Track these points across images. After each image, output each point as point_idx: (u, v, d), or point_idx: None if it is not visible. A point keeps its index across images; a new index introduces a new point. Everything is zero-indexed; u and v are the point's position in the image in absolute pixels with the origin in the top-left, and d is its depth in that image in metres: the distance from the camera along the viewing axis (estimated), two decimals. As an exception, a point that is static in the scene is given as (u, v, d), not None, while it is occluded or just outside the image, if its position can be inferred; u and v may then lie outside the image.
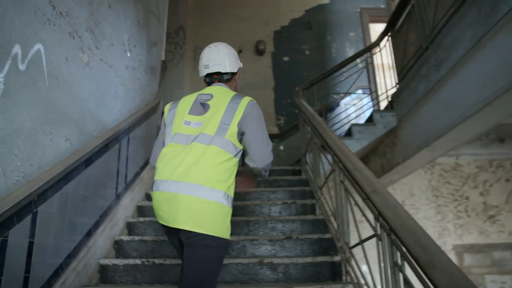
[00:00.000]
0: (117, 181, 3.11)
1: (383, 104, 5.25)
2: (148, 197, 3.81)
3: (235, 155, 1.79)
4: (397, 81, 4.71)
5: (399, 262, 1.69)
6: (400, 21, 4.64)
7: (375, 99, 5.04)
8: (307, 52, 6.80)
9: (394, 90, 4.85)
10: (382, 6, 7.00)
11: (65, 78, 2.30)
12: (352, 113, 5.98)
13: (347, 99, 6.47)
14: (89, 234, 2.53)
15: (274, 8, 6.89)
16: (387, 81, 4.93)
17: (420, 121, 4.04)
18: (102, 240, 2.70)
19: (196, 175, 1.65)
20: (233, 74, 2.05)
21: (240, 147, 1.82)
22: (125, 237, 2.94)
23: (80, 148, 2.44)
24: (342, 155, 2.48)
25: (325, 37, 6.88)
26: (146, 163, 4.00)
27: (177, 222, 1.63)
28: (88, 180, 2.54)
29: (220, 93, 1.91)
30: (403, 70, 4.54)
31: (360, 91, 6.42)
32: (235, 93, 1.95)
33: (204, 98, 1.90)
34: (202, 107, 1.86)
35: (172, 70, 6.60)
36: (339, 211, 2.69)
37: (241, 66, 2.13)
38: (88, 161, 2.52)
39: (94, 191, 2.64)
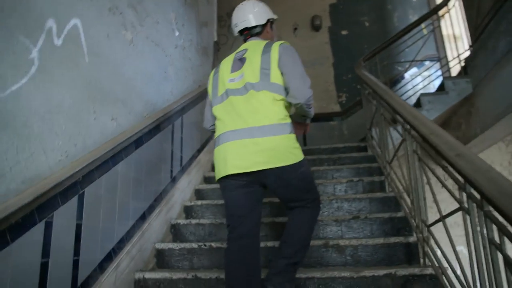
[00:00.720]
0: (172, 163, 3.02)
1: (454, 71, 4.73)
2: (207, 180, 3.71)
3: (285, 96, 1.89)
4: (470, 43, 4.19)
5: (497, 239, 1.35)
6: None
7: (445, 66, 4.52)
8: (367, 24, 6.34)
9: (467, 54, 4.35)
10: (449, -36, 6.35)
11: (108, 56, 2.20)
12: (418, 84, 5.49)
13: (413, 70, 5.95)
14: (143, 217, 2.45)
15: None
16: (458, 45, 4.42)
17: (502, 84, 3.54)
18: (157, 224, 2.61)
19: (259, 119, 1.79)
20: (263, 26, 2.12)
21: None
22: (182, 221, 2.84)
23: (129, 129, 2.35)
24: (414, 120, 2.16)
25: (385, 7, 6.37)
26: (204, 145, 3.90)
27: (257, 164, 1.75)
28: (140, 162, 2.45)
29: (253, 45, 2.01)
30: (477, 29, 4.03)
31: (427, 62, 5.88)
32: (267, 41, 2.03)
33: (240, 54, 2.02)
34: (240, 62, 1.98)
35: (227, 53, 6.46)
36: (413, 185, 2.38)
37: (274, 17, 2.18)
38: (138, 142, 2.43)
39: (147, 173, 2.55)
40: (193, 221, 2.83)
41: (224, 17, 6.68)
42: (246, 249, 1.83)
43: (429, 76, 5.21)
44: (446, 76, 4.27)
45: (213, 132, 2.09)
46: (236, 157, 1.79)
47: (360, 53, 5.84)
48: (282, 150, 1.78)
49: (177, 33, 3.39)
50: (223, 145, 1.84)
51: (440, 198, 2.11)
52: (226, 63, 2.07)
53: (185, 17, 3.64)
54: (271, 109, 1.82)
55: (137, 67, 2.56)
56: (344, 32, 6.50)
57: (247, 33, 2.12)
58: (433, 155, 1.93)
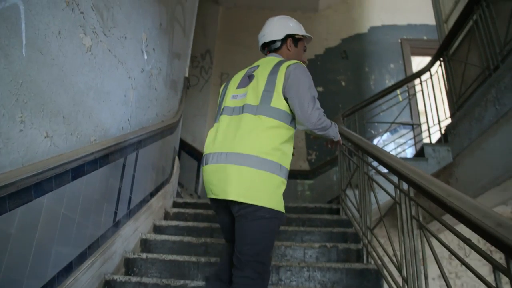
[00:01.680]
0: (118, 205, 2.49)
1: (430, 138, 4.56)
2: (157, 230, 3.17)
3: (289, 123, 1.74)
4: (452, 111, 4.05)
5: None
6: (457, 42, 4.05)
7: (420, 133, 4.35)
8: (343, 83, 6.24)
9: (447, 121, 4.21)
10: (425, 38, 6.48)
11: (55, 56, 1.73)
12: (391, 150, 5.30)
13: (385, 136, 5.80)
14: (68, 269, 1.87)
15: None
16: (439, 110, 4.27)
17: (487, 155, 3.33)
18: (86, 279, 2.03)
19: (243, 145, 1.63)
20: (282, 41, 1.98)
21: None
22: (120, 277, 2.27)
23: (67, 152, 1.84)
24: (420, 180, 1.79)
25: (363, 68, 6.33)
26: (158, 189, 3.38)
27: (226, 193, 1.60)
28: (75, 197, 1.92)
29: (265, 62, 1.87)
30: (461, 97, 3.90)
31: (401, 128, 5.76)
32: (280, 59, 1.87)
33: (251, 71, 1.89)
34: (248, 79, 1.84)
35: (196, 96, 6.12)
36: (411, 261, 1.97)
37: (299, 33, 2.01)
38: (77, 171, 1.91)
39: (83, 212, 2.00)
40: (134, 279, 2.27)
41: (198, 58, 6.40)
42: None
43: (404, 142, 5.02)
44: (427, 143, 4.05)
45: None
46: (212, 181, 1.69)
47: (335, 111, 5.66)
48: (260, 188, 1.60)
49: (146, 57, 2.98)
50: (207, 167, 1.73)
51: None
52: (236, 78, 1.96)
53: (157, 41, 3.26)
54: (264, 139, 1.65)
55: (92, 81, 2.10)
56: (319, 89, 6.34)
57: (267, 48, 2.02)
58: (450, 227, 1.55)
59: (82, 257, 2.00)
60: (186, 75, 4.40)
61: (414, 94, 4.37)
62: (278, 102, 1.71)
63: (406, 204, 2.06)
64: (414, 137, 5.37)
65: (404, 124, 5.46)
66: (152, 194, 3.21)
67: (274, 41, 1.98)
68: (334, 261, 2.82)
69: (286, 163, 1.71)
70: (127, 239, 2.63)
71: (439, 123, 4.15)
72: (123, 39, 2.52)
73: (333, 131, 1.87)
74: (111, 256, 2.35)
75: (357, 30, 6.62)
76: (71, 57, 1.88)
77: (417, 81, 4.44)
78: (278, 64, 1.79)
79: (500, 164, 3.13)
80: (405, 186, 2.11)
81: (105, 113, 2.29)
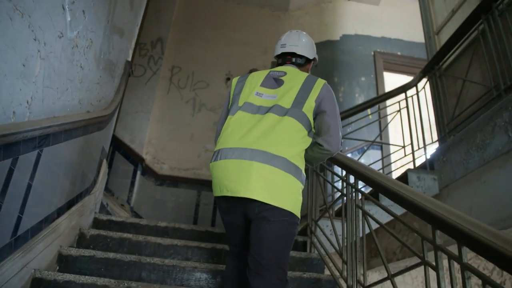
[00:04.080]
0: (-6, 230, 1.59)
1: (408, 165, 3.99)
2: (65, 261, 2.26)
3: (308, 133, 1.76)
4: (442, 134, 3.49)
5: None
6: (453, 56, 3.51)
7: (408, 155, 3.75)
8: (309, 92, 5.58)
9: (432, 146, 3.66)
10: (399, 53, 6.03)
11: None
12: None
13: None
14: None
15: (275, 35, 5.67)
16: (420, 131, 3.70)
17: (490, 190, 2.76)
18: None
19: (271, 144, 1.63)
20: (307, 60, 2.05)
21: (313, 128, 1.80)
22: None
23: None
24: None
25: (332, 78, 5.73)
26: (71, 203, 2.48)
27: (250, 192, 1.56)
28: None
29: (294, 71, 1.91)
30: (454, 119, 3.35)
31: (372, 148, 5.20)
32: (308, 73, 1.94)
33: (277, 74, 1.90)
34: (275, 81, 1.86)
35: (140, 88, 5.20)
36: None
37: (317, 59, 2.17)
38: None
39: None
40: None
41: (147, 46, 5.49)
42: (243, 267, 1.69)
43: (374, 162, 4.41)
44: (411, 168, 3.45)
45: None
46: (230, 177, 1.61)
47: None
48: (283, 190, 1.60)
49: (69, 17, 2.10)
50: (225, 161, 1.65)
51: None
52: (257, 76, 1.94)
53: (90, 4, 2.39)
54: (290, 142, 1.67)
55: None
56: (281, 97, 5.67)
57: (290, 58, 2.01)
58: None
59: None
60: (129, 59, 3.52)
61: (399, 111, 3.77)
62: (308, 110, 1.75)
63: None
64: (383, 158, 4.82)
65: (380, 144, 4.89)
66: (60, 211, 2.31)
67: (301, 57, 2.01)
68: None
69: (304, 170, 1.73)
70: (7, 282, 1.73)
71: (424, 147, 3.57)
72: (30, -20, 1.65)
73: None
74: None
75: (328, 37, 6.03)
76: None
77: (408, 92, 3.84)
78: (312, 78, 1.85)
79: (510, 203, 2.57)
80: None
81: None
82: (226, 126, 1.78)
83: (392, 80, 6.36)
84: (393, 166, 4.81)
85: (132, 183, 4.69)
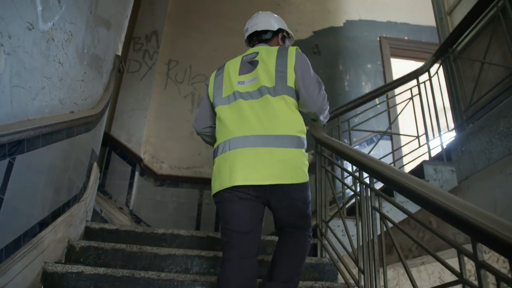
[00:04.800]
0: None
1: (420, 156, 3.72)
2: (47, 281, 2.04)
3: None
4: (459, 122, 3.22)
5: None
6: (468, 37, 3.24)
7: (420, 146, 3.48)
8: (314, 82, 5.30)
9: (448, 135, 3.40)
10: (406, 38, 5.74)
11: None
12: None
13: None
14: None
15: (275, 24, 5.44)
16: (434, 119, 3.44)
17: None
18: None
19: (277, 126, 1.70)
20: (273, 33, 2.05)
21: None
22: None
23: None
24: None
25: (337, 66, 5.45)
26: (57, 214, 2.26)
27: (273, 177, 1.63)
28: None
29: (265, 49, 1.92)
30: (473, 105, 3.08)
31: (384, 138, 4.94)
32: (279, 46, 1.98)
33: (249, 57, 1.91)
34: (251, 64, 1.87)
35: (135, 85, 4.96)
36: None
37: (288, 31, 2.12)
38: None
39: None
40: None
41: (142, 40, 5.23)
42: (246, 271, 1.65)
43: (386, 155, 4.15)
44: (426, 160, 3.19)
45: (205, 135, 2.06)
46: (246, 166, 1.65)
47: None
48: (296, 166, 1.70)
49: (40, 7, 1.86)
50: (232, 152, 1.70)
51: None
52: (233, 64, 1.95)
53: (67, -7, 2.14)
54: (290, 118, 1.76)
55: None
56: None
57: (255, 38, 2.05)
58: None
59: None
60: (119, 53, 3.28)
61: (411, 99, 3.50)
62: (291, 81, 1.79)
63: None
64: (394, 151, 4.57)
65: (390, 134, 4.62)
66: (43, 224, 2.08)
67: (266, 32, 2.03)
68: None
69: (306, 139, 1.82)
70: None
71: (440, 137, 3.31)
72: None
73: (327, 118, 2.10)
74: None
75: (331, 23, 5.74)
76: None
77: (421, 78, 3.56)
78: (283, 49, 1.87)
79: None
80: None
81: None
82: (222, 118, 1.82)
83: (399, 67, 6.08)
84: (404, 158, 4.55)
85: (131, 185, 4.46)
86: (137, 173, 4.52)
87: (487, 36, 3.00)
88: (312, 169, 4.04)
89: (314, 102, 1.83)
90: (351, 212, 3.09)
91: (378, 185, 2.33)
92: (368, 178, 2.02)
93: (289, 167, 1.67)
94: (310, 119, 2.14)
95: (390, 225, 1.87)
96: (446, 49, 3.43)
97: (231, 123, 1.77)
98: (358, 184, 2.16)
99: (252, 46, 2.04)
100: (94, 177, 2.83)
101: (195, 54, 5.32)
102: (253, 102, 1.76)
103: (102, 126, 3.00)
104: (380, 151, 4.81)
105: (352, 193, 2.26)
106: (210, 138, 2.08)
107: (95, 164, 2.86)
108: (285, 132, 1.70)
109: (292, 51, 1.85)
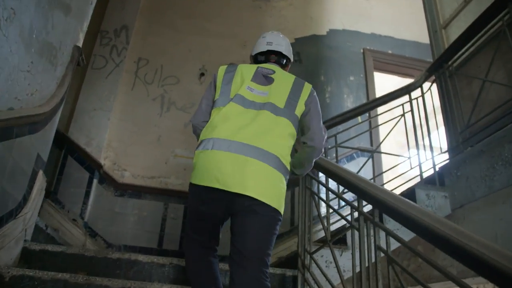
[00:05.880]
0: None
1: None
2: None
3: (296, 135, 1.87)
4: (453, 143, 2.97)
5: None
6: (466, 53, 2.99)
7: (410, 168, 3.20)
8: (293, 91, 4.98)
9: (440, 157, 3.13)
10: (390, 52, 5.52)
11: None
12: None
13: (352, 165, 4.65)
14: None
15: (255, 28, 5.06)
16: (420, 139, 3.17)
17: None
18: None
19: (266, 142, 1.69)
20: (287, 61, 2.11)
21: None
22: None
23: None
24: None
25: (318, 76, 5.14)
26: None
27: (244, 188, 1.61)
28: None
29: (281, 72, 1.97)
30: (470, 126, 2.83)
31: (362, 155, 4.66)
32: (295, 76, 1.99)
33: (266, 71, 1.93)
34: (265, 78, 1.90)
35: (100, 83, 4.48)
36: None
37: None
38: None
39: None
40: None
41: (110, 34, 4.77)
42: (209, 256, 1.78)
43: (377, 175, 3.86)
44: (418, 185, 2.90)
45: (200, 129, 1.92)
46: (226, 171, 1.63)
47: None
48: (276, 190, 1.69)
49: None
50: (218, 152, 1.67)
51: None
52: (247, 69, 1.94)
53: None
54: (284, 143, 1.77)
55: None
56: (261, 96, 5.04)
57: (275, 56, 2.05)
58: None
59: None
60: (80, 44, 2.84)
61: (403, 115, 3.22)
62: (299, 112, 1.85)
63: None
64: (373, 166, 4.31)
65: (371, 153, 4.34)
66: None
67: (284, 57, 2.07)
68: None
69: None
70: None
71: (432, 158, 3.03)
72: None
73: (311, 167, 2.04)
74: None
75: (314, 31, 5.45)
76: None
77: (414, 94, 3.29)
78: (300, 81, 1.95)
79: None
80: None
81: None
82: (217, 115, 1.79)
83: (380, 81, 5.87)
84: (386, 177, 4.28)
85: (87, 194, 3.97)
86: (95, 181, 4.03)
87: (490, 52, 2.76)
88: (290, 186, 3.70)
89: (319, 138, 1.86)
90: (337, 240, 2.76)
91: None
92: (365, 207, 1.71)
93: (270, 187, 1.66)
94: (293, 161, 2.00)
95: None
96: (441, 65, 3.18)
97: (224, 123, 1.74)
98: (354, 213, 1.84)
99: (265, 61, 2.04)
100: (38, 188, 2.37)
101: (167, 54, 4.90)
102: (252, 112, 1.77)
103: (53, 127, 2.55)
104: (358, 168, 4.54)
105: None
106: (200, 132, 1.96)
107: (40, 173, 2.40)
108: (276, 152, 1.70)
109: (308, 88, 1.93)
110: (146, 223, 4.02)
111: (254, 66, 1.95)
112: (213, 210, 1.70)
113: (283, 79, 1.91)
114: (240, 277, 1.59)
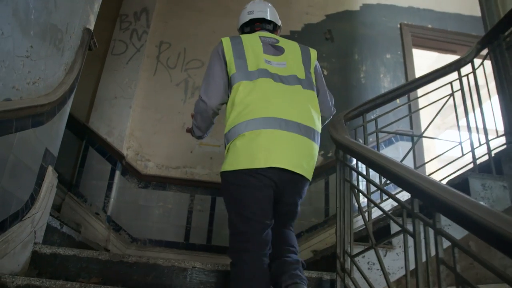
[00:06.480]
0: None
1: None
2: None
3: None
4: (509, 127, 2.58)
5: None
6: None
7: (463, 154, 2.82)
8: (325, 72, 4.60)
9: (496, 141, 2.75)
10: (429, 26, 5.05)
11: None
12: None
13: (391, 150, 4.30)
14: None
15: (283, 6, 4.68)
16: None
17: None
18: None
19: (311, 118, 1.69)
20: (275, 26, 2.04)
21: None
22: None
23: None
24: None
25: (352, 55, 4.76)
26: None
27: (302, 168, 1.61)
28: None
29: (284, 40, 1.94)
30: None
31: (398, 140, 4.29)
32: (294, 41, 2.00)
33: (270, 40, 1.87)
34: (274, 48, 1.84)
35: (120, 69, 4.27)
36: None
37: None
38: None
39: None
40: None
41: (130, 18, 4.54)
42: (266, 272, 1.56)
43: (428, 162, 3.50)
44: (471, 173, 2.54)
45: (215, 114, 1.85)
46: (286, 150, 1.58)
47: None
48: (314, 164, 1.71)
49: None
50: (272, 131, 1.57)
51: None
52: (252, 40, 1.83)
53: None
54: (317, 114, 1.76)
55: None
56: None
57: (259, 24, 1.99)
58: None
59: None
60: (91, 27, 2.60)
61: (452, 95, 2.83)
62: (314, 81, 1.87)
63: None
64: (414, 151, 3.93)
65: (413, 136, 3.95)
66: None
67: (269, 22, 2.00)
68: None
69: None
70: None
71: (487, 142, 2.65)
72: None
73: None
74: None
75: (346, 6, 5.04)
76: None
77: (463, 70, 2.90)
78: (305, 47, 1.94)
79: None
80: None
81: None
82: (249, 92, 1.65)
83: (415, 60, 5.41)
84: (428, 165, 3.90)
85: (110, 186, 3.80)
86: (118, 173, 3.85)
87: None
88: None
89: (331, 107, 1.97)
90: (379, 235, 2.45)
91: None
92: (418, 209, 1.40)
93: (312, 163, 1.68)
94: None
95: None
96: (496, 35, 2.76)
97: (262, 100, 1.64)
98: (404, 215, 1.53)
99: (250, 32, 1.99)
100: (48, 185, 2.17)
101: (190, 36, 4.63)
102: (286, 87, 1.70)
103: (62, 119, 2.33)
104: (399, 153, 4.18)
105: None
106: (214, 118, 1.90)
107: (49, 168, 2.19)
108: (314, 127, 1.70)
109: (314, 52, 1.95)
110: (171, 216, 3.82)
111: (255, 36, 1.87)
112: (266, 194, 1.59)
113: (291, 48, 1.89)
114: (289, 230, 1.80)
